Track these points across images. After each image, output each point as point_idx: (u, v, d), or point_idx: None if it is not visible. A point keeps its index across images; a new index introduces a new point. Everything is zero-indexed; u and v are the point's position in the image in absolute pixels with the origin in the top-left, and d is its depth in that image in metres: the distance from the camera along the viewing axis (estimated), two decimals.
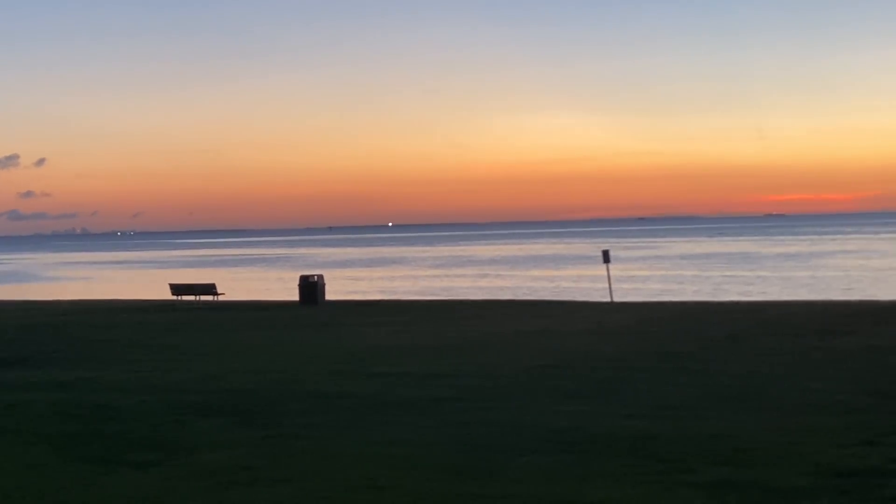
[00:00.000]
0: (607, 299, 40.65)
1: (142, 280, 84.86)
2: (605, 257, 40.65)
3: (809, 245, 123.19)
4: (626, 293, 48.73)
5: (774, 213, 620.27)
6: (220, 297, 45.27)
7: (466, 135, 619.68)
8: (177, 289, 46.08)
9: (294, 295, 42.91)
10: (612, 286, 41.44)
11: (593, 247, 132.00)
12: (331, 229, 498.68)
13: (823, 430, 11.99)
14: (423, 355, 21.36)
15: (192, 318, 35.13)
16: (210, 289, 45.53)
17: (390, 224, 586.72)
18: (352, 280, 75.18)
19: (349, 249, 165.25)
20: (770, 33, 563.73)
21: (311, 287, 41.18)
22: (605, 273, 41.80)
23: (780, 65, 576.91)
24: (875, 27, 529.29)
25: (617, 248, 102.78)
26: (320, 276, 42.35)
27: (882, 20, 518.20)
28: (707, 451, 10.98)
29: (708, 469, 10.20)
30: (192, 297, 45.37)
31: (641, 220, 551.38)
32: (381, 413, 14.09)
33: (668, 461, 10.56)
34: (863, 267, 74.09)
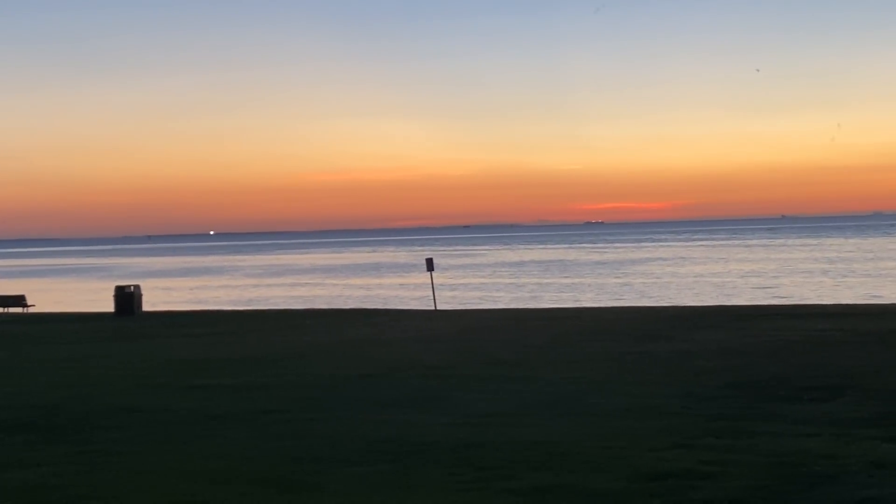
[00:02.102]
0: (431, 307, 40.92)
1: None
2: (429, 265, 40.94)
3: (625, 253, 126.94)
4: (449, 301, 49.20)
5: (594, 221, 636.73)
6: (30, 309, 43.69)
7: (291, 142, 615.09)
8: None
9: (109, 306, 41.72)
10: (436, 294, 41.76)
11: (416, 255, 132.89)
12: (150, 238, 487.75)
13: (639, 434, 12.28)
14: (242, 366, 21.03)
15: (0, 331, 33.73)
16: (19, 300, 43.92)
17: (211, 232, 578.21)
18: (169, 290, 73.65)
19: (167, 259, 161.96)
20: (592, 42, 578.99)
21: (126, 298, 40.10)
22: (429, 281, 42.09)
23: (600, 74, 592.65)
24: (693, 39, 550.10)
25: (440, 256, 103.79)
26: (137, 287, 41.31)
27: (699, 33, 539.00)
28: (527, 458, 11.11)
29: (528, 475, 10.31)
30: None
31: (466, 228, 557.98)
32: (199, 426, 13.78)
33: (489, 468, 10.64)
34: (674, 274, 76.75)
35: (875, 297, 47.48)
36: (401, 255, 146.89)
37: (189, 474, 10.75)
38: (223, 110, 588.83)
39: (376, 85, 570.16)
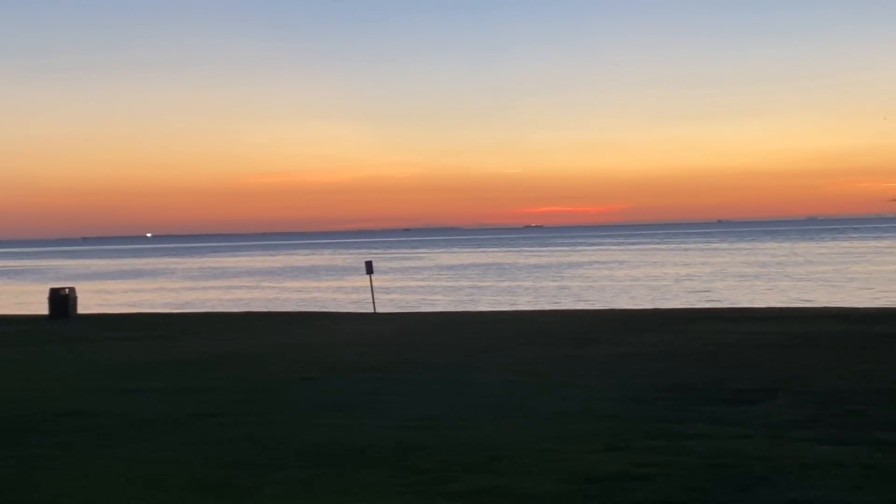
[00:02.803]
0: (368, 310, 40.87)
1: None
2: (368, 268, 40.90)
3: (562, 256, 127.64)
4: (387, 304, 49.16)
5: (533, 224, 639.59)
6: None
7: (230, 144, 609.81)
8: None
9: (43, 309, 41.13)
10: (375, 297, 41.73)
11: (354, 258, 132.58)
12: (85, 240, 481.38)
13: (576, 437, 12.38)
14: (178, 370, 20.86)
15: None
16: None
17: (148, 234, 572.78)
18: (104, 293, 72.80)
19: (103, 261, 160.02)
20: (532, 47, 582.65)
21: (61, 300, 39.55)
22: (367, 284, 42.04)
23: (541, 79, 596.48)
24: (632, 45, 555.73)
25: (379, 259, 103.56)
26: (72, 289, 40.75)
27: (638, 39, 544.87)
28: (465, 460, 11.15)
29: (467, 478, 10.35)
30: None
31: (406, 231, 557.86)
32: (135, 431, 13.65)
33: (428, 471, 10.67)
34: (610, 277, 77.33)
35: (806, 300, 48.19)
36: (338, 258, 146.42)
37: (124, 479, 10.66)
38: (160, 111, 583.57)
39: (317, 87, 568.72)
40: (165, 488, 10.22)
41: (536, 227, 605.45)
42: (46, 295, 40.81)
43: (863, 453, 11.16)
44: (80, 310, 40.87)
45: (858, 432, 12.36)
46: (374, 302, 41.23)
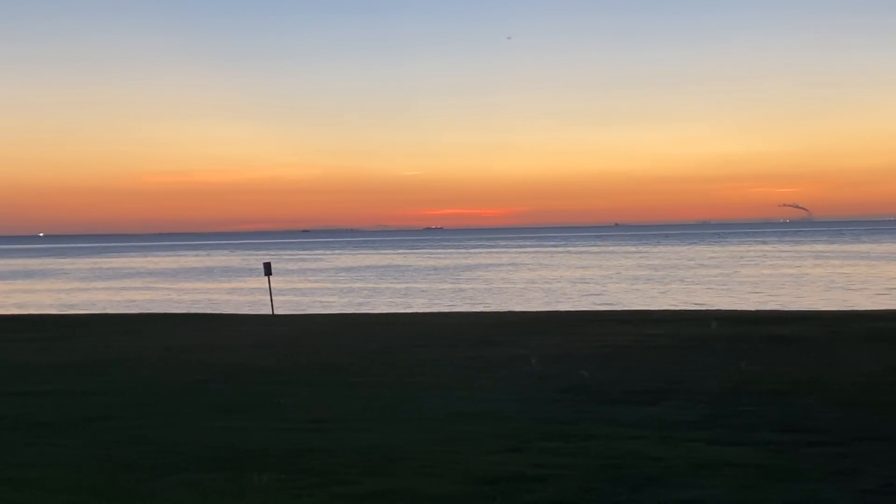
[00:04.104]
0: (264, 312, 40.51)
1: None
2: (267, 269, 40.55)
3: (459, 259, 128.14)
4: (283, 305, 48.79)
5: (433, 226, 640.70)
6: None
7: (128, 142, 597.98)
8: None
9: None
10: (273, 298, 41.41)
11: (250, 259, 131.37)
12: None
13: (473, 439, 12.41)
14: (70, 372, 20.40)
15: None
16: None
17: (41, 234, 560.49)
18: None
19: None
20: (434, 49, 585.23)
21: None
22: (263, 285, 41.69)
23: (441, 81, 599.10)
24: (531, 48, 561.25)
25: (277, 260, 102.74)
26: None
27: (538, 42, 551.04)
28: (363, 463, 11.10)
29: (364, 479, 10.30)
30: None
31: (305, 232, 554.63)
32: (24, 434, 13.31)
33: (325, 473, 10.59)
34: (506, 280, 77.87)
35: (697, 303, 49.09)
36: (234, 259, 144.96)
37: (13, 483, 10.38)
38: (56, 107, 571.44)
39: (217, 86, 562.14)
40: (56, 492, 9.98)
41: (437, 229, 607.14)
42: None
43: (754, 453, 11.39)
44: None
45: (749, 433, 12.61)
46: (272, 303, 40.90)
